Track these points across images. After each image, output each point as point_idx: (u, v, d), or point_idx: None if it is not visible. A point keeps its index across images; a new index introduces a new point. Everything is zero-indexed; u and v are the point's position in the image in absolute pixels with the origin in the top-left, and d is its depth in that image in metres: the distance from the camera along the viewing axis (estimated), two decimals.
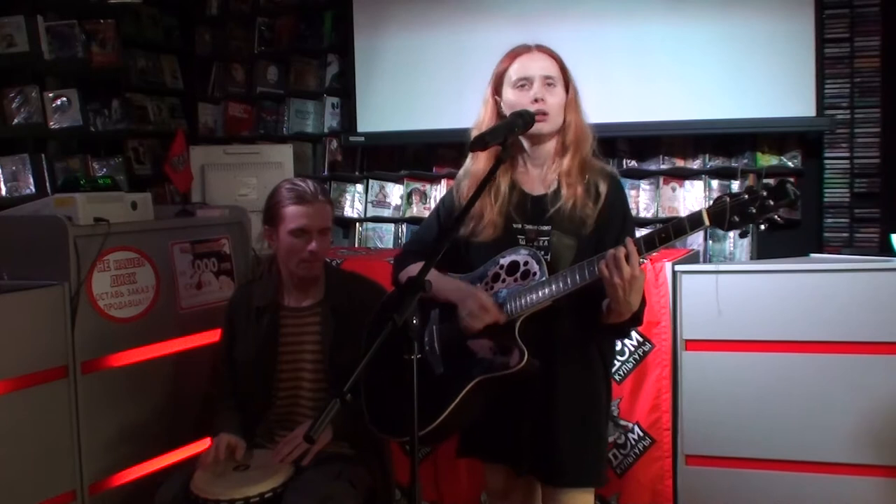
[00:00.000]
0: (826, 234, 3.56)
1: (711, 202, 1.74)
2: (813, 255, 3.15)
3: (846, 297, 2.64)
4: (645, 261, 1.89)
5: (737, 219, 1.67)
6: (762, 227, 1.66)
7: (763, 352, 2.73)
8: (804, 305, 2.68)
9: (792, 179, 1.85)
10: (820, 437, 2.67)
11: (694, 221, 1.72)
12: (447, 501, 3.05)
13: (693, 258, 3.22)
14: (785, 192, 1.64)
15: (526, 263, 1.92)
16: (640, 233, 1.87)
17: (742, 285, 2.75)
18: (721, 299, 2.74)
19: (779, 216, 1.66)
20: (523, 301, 1.88)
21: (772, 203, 1.64)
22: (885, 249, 3.01)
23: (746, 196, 1.67)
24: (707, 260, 3.63)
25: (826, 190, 3.56)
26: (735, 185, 3.68)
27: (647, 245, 1.77)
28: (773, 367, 2.71)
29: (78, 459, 2.41)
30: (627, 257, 1.75)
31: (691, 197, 3.75)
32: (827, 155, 3.58)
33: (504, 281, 1.94)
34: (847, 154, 3.55)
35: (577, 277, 1.83)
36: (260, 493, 2.05)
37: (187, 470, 2.20)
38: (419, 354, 1.58)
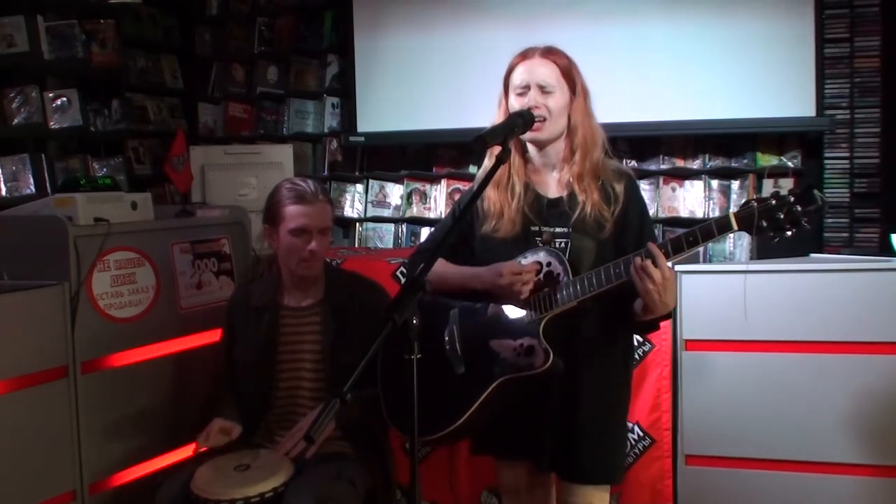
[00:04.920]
0: (826, 234, 3.55)
1: (738, 206, 1.74)
2: (813, 255, 3.15)
3: (846, 297, 2.64)
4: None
5: (765, 224, 1.67)
6: (789, 233, 1.66)
7: (763, 352, 2.73)
8: (804, 305, 2.68)
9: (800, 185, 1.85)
10: (820, 437, 2.67)
11: (722, 226, 1.73)
12: (447, 501, 3.05)
13: (693, 258, 3.21)
14: (812, 198, 1.65)
15: (549, 265, 1.92)
16: None
17: (742, 285, 2.75)
18: (721, 299, 2.74)
19: (807, 222, 1.66)
20: (548, 301, 1.89)
21: (799, 209, 1.65)
22: (885, 249, 3.01)
23: (774, 201, 1.67)
24: (707, 260, 3.62)
25: (826, 190, 3.56)
26: (735, 185, 3.68)
27: (675, 249, 1.78)
28: (774, 367, 2.71)
29: (78, 459, 2.41)
30: (655, 262, 1.76)
31: (691, 197, 3.75)
32: (827, 155, 3.58)
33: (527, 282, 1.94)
34: (847, 154, 3.55)
35: (604, 279, 1.84)
36: (260, 493, 2.05)
37: (187, 470, 2.19)
38: (419, 354, 1.58)
